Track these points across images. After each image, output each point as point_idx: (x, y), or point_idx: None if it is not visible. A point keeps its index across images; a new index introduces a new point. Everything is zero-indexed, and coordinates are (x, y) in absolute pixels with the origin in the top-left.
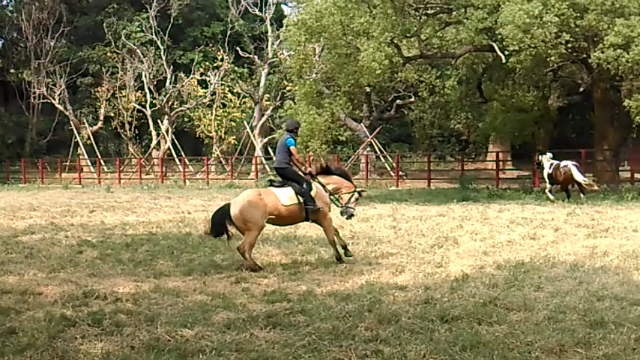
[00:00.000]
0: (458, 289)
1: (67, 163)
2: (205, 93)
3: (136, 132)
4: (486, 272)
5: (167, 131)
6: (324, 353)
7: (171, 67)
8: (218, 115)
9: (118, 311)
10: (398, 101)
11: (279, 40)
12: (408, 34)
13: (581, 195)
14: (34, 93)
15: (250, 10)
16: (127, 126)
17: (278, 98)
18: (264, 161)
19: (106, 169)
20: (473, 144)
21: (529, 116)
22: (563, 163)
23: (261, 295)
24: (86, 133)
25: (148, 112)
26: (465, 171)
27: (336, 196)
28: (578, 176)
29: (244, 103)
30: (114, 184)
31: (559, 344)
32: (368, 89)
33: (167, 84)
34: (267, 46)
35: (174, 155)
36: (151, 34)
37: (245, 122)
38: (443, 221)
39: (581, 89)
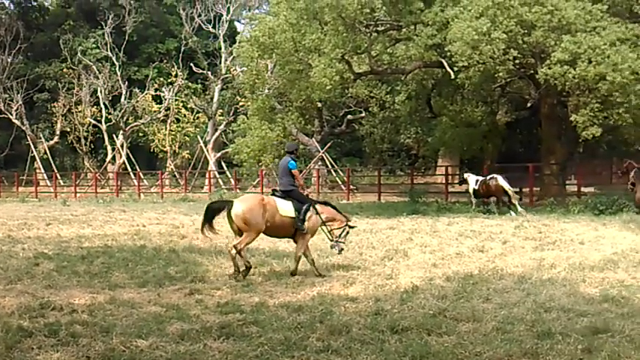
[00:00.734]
0: (408, 300)
1: (24, 177)
2: (160, 108)
3: (92, 146)
4: (436, 284)
5: (122, 146)
6: None
7: (126, 82)
8: (172, 130)
9: (73, 322)
10: (349, 116)
11: (232, 57)
12: (358, 51)
13: (514, 204)
14: None
15: (204, 27)
16: (82, 141)
17: (231, 113)
18: (218, 175)
19: (62, 183)
20: (422, 158)
21: (477, 131)
22: (490, 176)
23: (214, 307)
24: (43, 148)
25: (104, 127)
26: (414, 185)
27: (328, 228)
28: (507, 186)
29: (198, 118)
30: (70, 197)
31: (507, 355)
32: (319, 104)
33: (122, 99)
34: (220, 63)
35: (129, 169)
36: (107, 50)
37: (199, 137)
38: (393, 234)
39: (529, 104)
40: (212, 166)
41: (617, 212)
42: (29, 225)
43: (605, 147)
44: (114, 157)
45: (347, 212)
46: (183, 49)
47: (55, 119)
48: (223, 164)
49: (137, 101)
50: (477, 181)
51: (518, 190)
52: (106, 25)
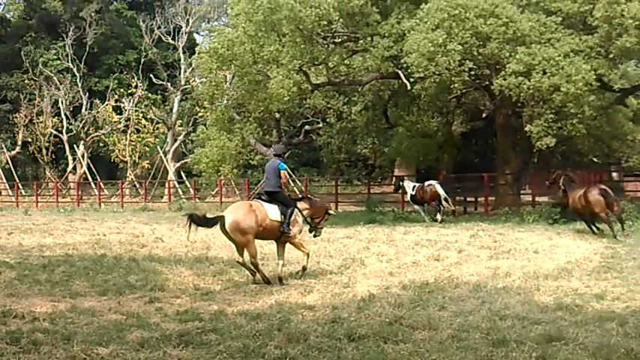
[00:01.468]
0: (364, 308)
1: None
2: (120, 119)
3: (53, 157)
4: (392, 292)
5: (83, 156)
6: None
7: (87, 93)
8: (132, 141)
9: (35, 330)
10: (306, 127)
11: (191, 68)
12: (316, 62)
13: (439, 212)
14: None
15: (164, 38)
16: (44, 151)
17: (190, 124)
18: (177, 185)
19: (23, 193)
20: (379, 168)
21: (433, 141)
22: (427, 182)
23: (174, 315)
24: (4, 158)
25: (65, 137)
26: (371, 194)
27: (309, 219)
28: (443, 193)
29: (158, 128)
30: (31, 207)
31: None
32: (277, 115)
33: (83, 110)
34: (179, 74)
35: (90, 179)
36: (68, 61)
37: (158, 147)
38: (350, 243)
39: (484, 115)
40: (171, 176)
41: (571, 221)
42: None
43: (559, 157)
44: (75, 167)
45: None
46: (143, 60)
47: (17, 130)
48: (182, 174)
49: (98, 112)
50: (414, 187)
51: (470, 199)
52: (67, 37)
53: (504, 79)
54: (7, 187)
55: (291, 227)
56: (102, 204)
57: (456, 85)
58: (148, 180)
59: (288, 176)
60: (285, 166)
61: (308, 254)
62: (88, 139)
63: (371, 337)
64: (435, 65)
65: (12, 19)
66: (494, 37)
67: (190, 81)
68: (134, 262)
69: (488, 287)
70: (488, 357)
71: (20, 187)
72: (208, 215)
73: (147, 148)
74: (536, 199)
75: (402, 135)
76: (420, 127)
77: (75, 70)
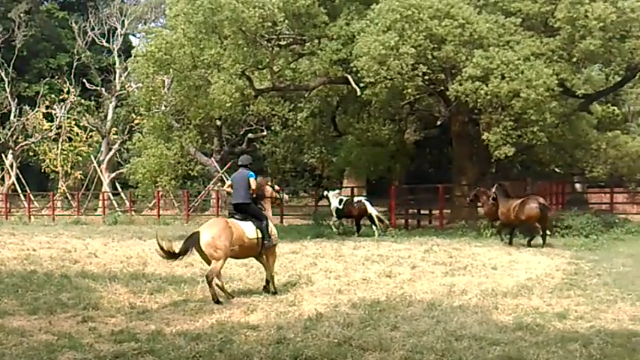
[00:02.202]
0: (312, 328)
1: None
2: (51, 126)
3: None
4: (341, 311)
5: (11, 166)
6: None
7: (16, 99)
8: (64, 150)
9: None
10: (250, 135)
11: (127, 72)
12: (260, 66)
13: (374, 228)
14: None
15: (97, 41)
16: None
17: (126, 132)
18: (112, 197)
19: None
20: (327, 179)
21: (385, 150)
22: (357, 198)
23: (108, 335)
24: None
25: None
26: (318, 207)
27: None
28: (372, 210)
29: (91, 136)
30: None
31: None
32: (219, 122)
33: (11, 117)
34: (114, 78)
35: (19, 190)
36: None
37: (92, 156)
38: (296, 259)
39: (439, 122)
40: (106, 188)
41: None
42: None
43: (518, 167)
44: (2, 178)
45: None
46: (75, 64)
47: None
48: (118, 185)
49: (27, 119)
50: (342, 200)
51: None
52: None
53: (460, 85)
54: None
55: (272, 238)
56: (32, 217)
57: (409, 90)
58: (81, 191)
59: (255, 186)
60: (255, 175)
61: (273, 277)
62: (16, 148)
63: (318, 359)
64: (386, 69)
65: None
66: (450, 40)
67: (126, 86)
68: (66, 278)
69: (444, 306)
70: None
71: None
72: (178, 243)
73: (80, 158)
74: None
75: (351, 144)
76: (370, 135)
77: (3, 74)
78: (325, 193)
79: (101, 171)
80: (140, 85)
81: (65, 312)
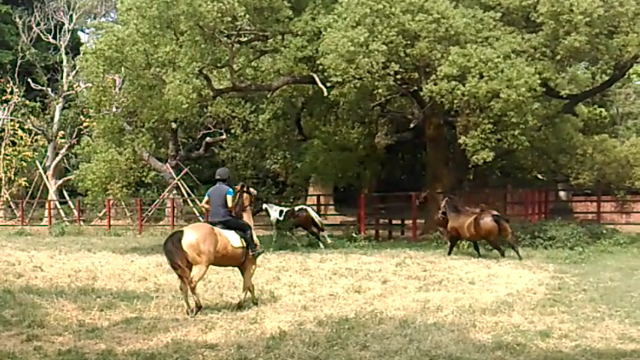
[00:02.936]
0: (274, 347)
1: None
2: None
3: None
4: (306, 329)
5: None
6: None
7: None
8: (7, 155)
9: None
10: (208, 138)
11: (75, 71)
12: (218, 64)
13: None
14: None
15: (43, 37)
16: None
17: (74, 135)
18: (59, 206)
19: None
20: (291, 186)
21: (354, 155)
22: (298, 207)
23: (55, 355)
24: None
25: None
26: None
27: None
28: (317, 217)
29: (36, 140)
30: None
31: None
32: (174, 125)
33: None
34: (62, 78)
35: None
36: None
37: (37, 162)
38: (258, 272)
39: (412, 125)
40: (52, 196)
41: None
42: None
43: (498, 174)
44: None
45: None
46: (19, 62)
47: None
48: (65, 193)
49: None
50: (282, 211)
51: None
52: None
53: (435, 84)
54: None
55: (257, 246)
56: None
57: (380, 90)
58: (26, 200)
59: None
60: (233, 191)
61: (249, 288)
62: None
63: None
64: (355, 68)
65: None
66: (424, 36)
67: (74, 86)
68: (9, 294)
69: (417, 323)
70: None
71: None
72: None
73: (24, 164)
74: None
75: (317, 148)
76: (338, 139)
77: None
78: (264, 206)
79: (47, 178)
80: (89, 84)
81: (8, 330)
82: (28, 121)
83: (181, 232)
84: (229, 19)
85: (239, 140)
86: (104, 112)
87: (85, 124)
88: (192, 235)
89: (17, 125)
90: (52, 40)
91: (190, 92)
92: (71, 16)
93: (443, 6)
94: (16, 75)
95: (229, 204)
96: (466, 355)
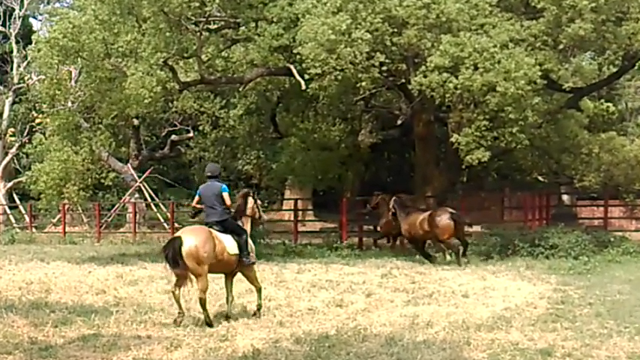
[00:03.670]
0: None
1: None
2: None
3: None
4: (282, 347)
5: None
6: None
7: None
8: None
9: None
10: (173, 136)
11: (26, 62)
12: (185, 54)
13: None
14: None
15: None
16: None
17: (25, 133)
18: (8, 210)
19: None
20: (265, 189)
21: (335, 155)
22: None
23: None
24: None
25: None
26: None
27: None
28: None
29: None
30: None
31: None
32: (136, 122)
33: None
34: (12, 69)
35: None
36: None
37: None
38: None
39: (400, 122)
40: (1, 199)
41: (511, 257)
42: None
43: (495, 175)
44: None
45: None
46: None
47: None
48: (16, 197)
49: None
50: None
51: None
52: None
53: (425, 77)
54: None
55: (251, 255)
56: None
57: (364, 83)
58: None
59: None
60: (227, 188)
61: (260, 289)
62: None
63: None
64: (336, 58)
65: None
66: (412, 23)
67: (25, 78)
68: None
69: (405, 341)
70: None
71: None
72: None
73: None
74: (467, 228)
75: (294, 147)
76: (317, 137)
77: None
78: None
79: None
80: (42, 77)
81: None
82: None
83: (180, 238)
84: (197, 4)
85: (208, 138)
86: (59, 107)
87: (37, 121)
88: (192, 241)
89: None
90: (1, 28)
91: (154, 85)
92: (22, 1)
93: None
94: None
95: (227, 201)
96: None
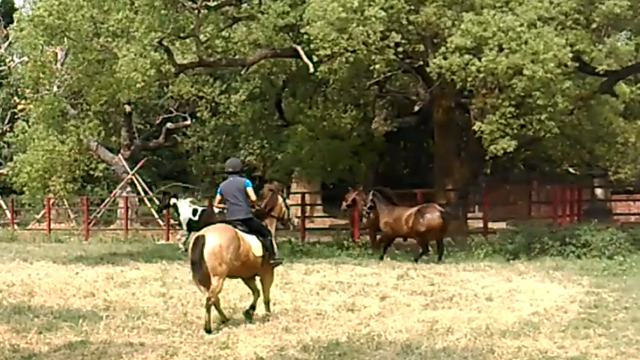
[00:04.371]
0: None
1: None
2: None
3: None
4: (288, 355)
5: None
6: None
7: None
8: None
9: None
10: (169, 124)
11: (8, 42)
12: (182, 34)
13: None
14: None
15: None
16: None
17: (7, 120)
18: None
19: None
20: (270, 182)
21: (346, 144)
22: (219, 210)
23: None
24: None
25: None
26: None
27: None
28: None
29: None
30: None
31: None
32: (128, 108)
33: None
34: None
35: None
36: None
37: None
38: (230, 286)
39: (417, 108)
40: None
41: (539, 257)
42: None
43: (521, 167)
44: None
45: (167, 257)
46: None
47: None
48: None
49: None
50: (196, 210)
51: None
52: None
53: (445, 58)
54: None
55: (276, 254)
56: None
57: (378, 66)
58: None
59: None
60: (252, 183)
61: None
62: None
63: None
64: (347, 38)
65: None
66: (431, 0)
67: (7, 61)
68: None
69: (423, 348)
70: None
71: None
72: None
73: None
74: (490, 225)
75: (301, 136)
76: (327, 124)
77: None
78: (173, 200)
79: None
80: (25, 59)
81: None
82: None
83: (203, 237)
84: None
85: (207, 126)
86: (43, 92)
87: (20, 107)
88: (216, 240)
89: None
90: None
91: (147, 68)
92: None
93: None
94: None
95: (252, 197)
96: None
